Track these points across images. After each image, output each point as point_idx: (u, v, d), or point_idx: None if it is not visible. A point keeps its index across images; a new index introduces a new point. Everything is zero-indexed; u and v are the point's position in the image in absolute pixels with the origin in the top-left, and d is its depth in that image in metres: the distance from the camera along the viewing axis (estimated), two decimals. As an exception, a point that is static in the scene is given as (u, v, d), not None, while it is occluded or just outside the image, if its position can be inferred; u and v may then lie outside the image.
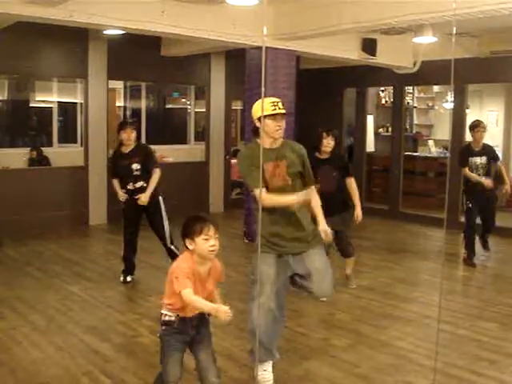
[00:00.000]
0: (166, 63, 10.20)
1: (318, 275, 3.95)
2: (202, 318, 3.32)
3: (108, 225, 9.69)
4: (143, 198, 6.33)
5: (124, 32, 7.82)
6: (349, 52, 9.16)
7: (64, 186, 9.40)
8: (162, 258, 6.53)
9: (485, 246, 8.07)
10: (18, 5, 6.07)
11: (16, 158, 9.89)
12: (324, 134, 6.04)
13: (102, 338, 4.77)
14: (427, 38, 8.43)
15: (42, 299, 5.78)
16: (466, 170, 7.51)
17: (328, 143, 6.01)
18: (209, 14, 7.42)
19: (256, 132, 4.01)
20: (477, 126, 7.51)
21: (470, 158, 7.52)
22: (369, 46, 9.20)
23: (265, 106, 3.90)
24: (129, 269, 6.55)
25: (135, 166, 6.39)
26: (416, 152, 12.37)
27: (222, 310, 3.04)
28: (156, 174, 6.44)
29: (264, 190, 3.80)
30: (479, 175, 7.47)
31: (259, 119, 3.91)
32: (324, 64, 10.62)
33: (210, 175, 11.29)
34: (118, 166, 6.53)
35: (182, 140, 12.66)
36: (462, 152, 7.69)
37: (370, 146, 12.11)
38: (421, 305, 5.87)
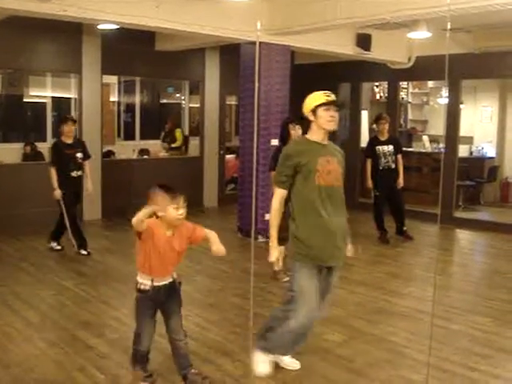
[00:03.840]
0: (160, 58, 10.18)
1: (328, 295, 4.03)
2: (173, 286, 3.68)
3: (102, 220, 9.67)
4: (90, 187, 7.38)
5: (118, 27, 7.80)
6: (343, 47, 9.16)
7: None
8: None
9: (405, 235, 8.63)
10: (12, -1, 6.04)
11: (10, 153, 9.86)
12: (291, 126, 6.02)
13: (95, 334, 4.76)
14: (422, 34, 8.43)
15: (35, 295, 5.77)
16: (368, 162, 8.46)
17: (296, 133, 5.97)
18: (203, 8, 7.40)
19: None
20: (379, 118, 8.54)
21: (378, 147, 8.40)
22: (363, 41, 9.19)
23: (318, 96, 3.84)
24: (84, 242, 7.29)
25: (79, 155, 7.23)
26: (410, 147, 12.38)
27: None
28: (89, 164, 7.43)
29: (282, 193, 3.82)
30: (387, 162, 8.36)
31: (313, 111, 3.81)
32: (318, 59, 10.62)
33: (204, 170, 11.28)
34: (63, 155, 7.11)
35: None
36: (368, 143, 8.70)
37: (365, 141, 12.10)
38: (415, 300, 5.89)
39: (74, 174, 7.17)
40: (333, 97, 3.84)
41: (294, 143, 4.01)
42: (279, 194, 3.86)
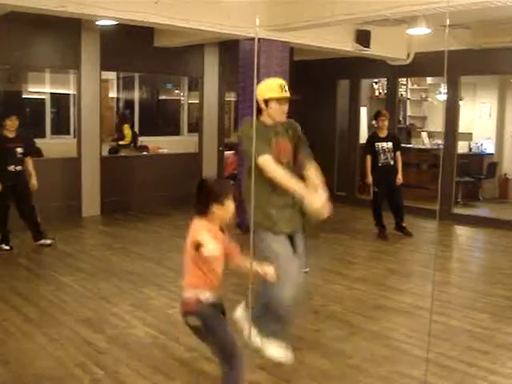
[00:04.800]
0: (159, 54, 10.17)
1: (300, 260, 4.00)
2: (221, 304, 3.22)
3: (101, 216, 9.67)
4: (34, 184, 7.41)
5: (117, 23, 7.79)
6: (342, 43, 9.14)
7: (57, 177, 9.37)
8: (155, 250, 6.55)
9: (405, 232, 8.63)
10: (10, -5, 6.03)
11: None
12: None
13: (95, 330, 4.77)
14: (421, 30, 8.42)
15: (34, 291, 5.78)
16: (368, 158, 8.48)
17: None
18: (202, 4, 7.39)
19: (260, 112, 3.94)
20: (379, 115, 8.55)
21: (377, 144, 8.45)
22: (362, 37, 9.19)
23: (273, 88, 3.87)
24: (6, 238, 7.34)
25: (20, 150, 7.26)
26: (409, 144, 12.39)
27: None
28: (31, 160, 7.47)
29: (271, 158, 3.73)
30: (386, 158, 8.41)
31: (265, 101, 3.85)
32: (317, 55, 10.61)
33: (204, 167, 11.27)
34: (2, 149, 7.15)
35: (175, 131, 12.66)
36: (368, 140, 8.73)
37: (364, 137, 12.12)
38: (413, 296, 5.89)
39: (12, 168, 7.18)
40: (287, 92, 3.88)
41: (249, 124, 3.94)
42: (270, 159, 3.75)
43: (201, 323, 3.10)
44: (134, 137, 11.54)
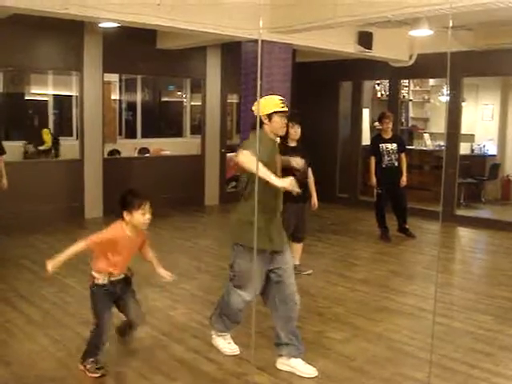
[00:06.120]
0: (162, 56, 10.18)
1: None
2: (126, 279, 4.01)
3: (104, 218, 9.67)
4: (5, 183, 7.28)
5: (119, 25, 7.79)
6: (345, 45, 9.14)
7: (60, 179, 9.39)
8: (156, 251, 6.50)
9: (408, 234, 8.65)
10: (13, -3, 6.04)
11: (11, 151, 9.86)
12: (290, 124, 6.07)
13: (97, 331, 4.77)
14: (423, 31, 8.42)
15: (37, 292, 5.78)
16: (372, 159, 8.50)
17: (295, 132, 6.16)
18: (205, 6, 7.39)
19: (255, 126, 3.95)
20: (383, 117, 8.54)
21: (382, 145, 8.45)
22: (365, 39, 9.19)
23: (275, 102, 4.07)
24: None
25: None
26: (411, 145, 12.38)
27: None
28: (2, 161, 7.39)
29: (252, 152, 3.76)
30: (390, 160, 8.43)
31: (268, 116, 4.01)
32: (320, 57, 10.61)
33: (206, 168, 11.28)
34: None
35: (178, 133, 12.67)
36: (372, 141, 8.72)
37: (366, 139, 12.12)
38: (416, 297, 5.89)
39: None
40: (287, 106, 4.11)
41: (254, 136, 4.00)
42: (250, 154, 3.76)
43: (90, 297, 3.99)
44: (55, 142, 10.64)
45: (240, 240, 4.09)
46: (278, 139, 4.21)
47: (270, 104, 4.05)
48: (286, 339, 4.12)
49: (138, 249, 4.04)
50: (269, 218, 4.04)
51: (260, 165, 3.72)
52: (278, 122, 4.03)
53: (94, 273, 3.92)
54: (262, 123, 4.04)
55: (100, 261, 3.89)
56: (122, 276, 3.97)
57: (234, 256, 4.23)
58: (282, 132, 4.12)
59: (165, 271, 4.16)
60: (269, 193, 3.88)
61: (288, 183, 3.75)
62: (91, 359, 3.91)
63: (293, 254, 6.15)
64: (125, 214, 3.74)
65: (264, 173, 3.67)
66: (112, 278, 3.90)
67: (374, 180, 8.50)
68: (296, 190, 3.78)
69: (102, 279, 3.89)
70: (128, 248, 3.87)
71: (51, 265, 3.69)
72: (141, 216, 3.72)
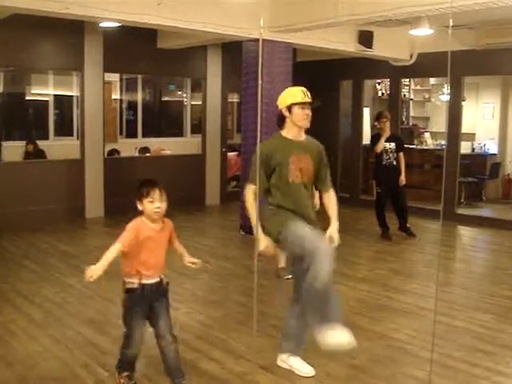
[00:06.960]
0: (162, 56, 10.18)
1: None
2: (160, 286, 3.63)
3: (105, 218, 9.68)
4: None
5: (120, 24, 7.80)
6: (345, 44, 9.15)
7: (60, 179, 9.39)
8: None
9: (408, 232, 8.65)
10: (14, -3, 6.04)
11: (11, 151, 9.88)
12: None
13: (99, 331, 4.78)
14: (424, 31, 8.42)
15: (38, 292, 5.78)
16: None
17: None
18: (205, 5, 7.40)
19: (282, 122, 3.95)
20: (380, 117, 8.53)
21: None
22: (365, 38, 9.19)
23: (294, 94, 3.93)
24: None
25: None
26: (412, 144, 12.38)
27: None
28: None
29: (253, 188, 3.82)
30: (389, 159, 8.41)
31: (288, 108, 3.88)
32: (320, 56, 10.61)
33: (207, 168, 11.28)
34: None
35: (179, 132, 12.67)
36: (373, 139, 8.71)
37: (366, 138, 12.12)
38: (417, 296, 5.89)
39: None
40: (309, 97, 3.93)
41: (268, 143, 4.00)
42: (251, 189, 3.85)
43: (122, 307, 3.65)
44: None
45: (276, 229, 3.86)
46: (303, 134, 3.99)
47: (288, 96, 3.92)
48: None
49: (168, 242, 3.72)
50: (296, 209, 3.88)
51: (253, 208, 3.81)
52: (299, 114, 3.85)
53: (124, 278, 3.58)
54: (283, 118, 3.93)
55: (128, 261, 3.53)
56: (156, 280, 3.61)
57: (286, 243, 3.87)
58: (305, 124, 3.91)
59: (193, 259, 3.86)
60: (290, 188, 3.86)
61: (263, 247, 3.77)
62: (126, 373, 3.71)
63: (279, 257, 6.16)
64: (138, 204, 3.54)
65: (252, 215, 3.81)
66: (143, 281, 3.52)
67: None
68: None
69: (131, 283, 3.53)
70: (154, 242, 3.56)
71: (92, 273, 3.26)
72: (150, 204, 3.50)
